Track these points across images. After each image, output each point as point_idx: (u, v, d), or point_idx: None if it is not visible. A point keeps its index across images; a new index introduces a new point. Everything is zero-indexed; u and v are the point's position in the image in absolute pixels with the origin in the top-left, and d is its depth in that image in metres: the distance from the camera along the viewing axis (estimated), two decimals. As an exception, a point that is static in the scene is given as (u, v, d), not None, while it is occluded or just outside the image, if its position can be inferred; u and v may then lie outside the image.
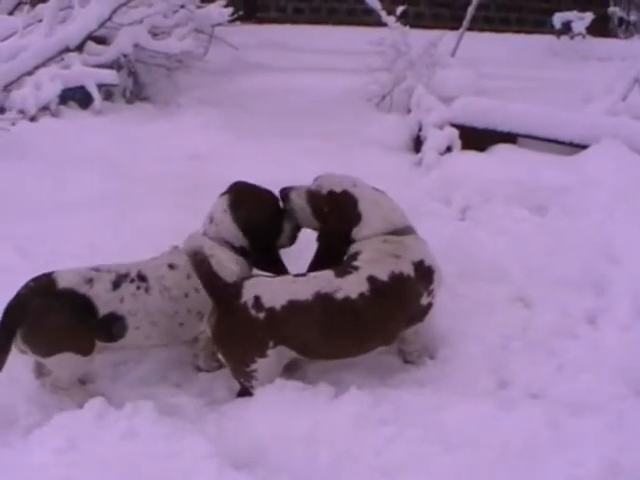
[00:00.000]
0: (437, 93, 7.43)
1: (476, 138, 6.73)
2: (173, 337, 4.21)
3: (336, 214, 4.31)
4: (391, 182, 5.74)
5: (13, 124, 7.24)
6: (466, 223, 5.71)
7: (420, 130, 7.09)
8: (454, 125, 6.81)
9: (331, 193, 4.34)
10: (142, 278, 4.09)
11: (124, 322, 4.03)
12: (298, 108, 8.26)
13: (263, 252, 4.33)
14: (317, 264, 4.29)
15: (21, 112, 7.59)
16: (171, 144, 7.21)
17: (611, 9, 10.71)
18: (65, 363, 3.96)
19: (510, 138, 6.76)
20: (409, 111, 7.60)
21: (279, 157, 6.72)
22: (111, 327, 4.02)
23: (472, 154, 6.59)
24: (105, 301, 3.99)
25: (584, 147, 6.38)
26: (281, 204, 4.42)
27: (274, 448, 3.62)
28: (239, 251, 4.30)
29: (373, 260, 4.09)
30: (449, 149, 6.67)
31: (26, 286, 3.97)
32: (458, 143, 6.66)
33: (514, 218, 5.60)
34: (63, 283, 3.96)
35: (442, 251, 4.48)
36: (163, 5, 8.87)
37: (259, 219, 4.30)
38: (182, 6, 9.07)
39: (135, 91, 8.76)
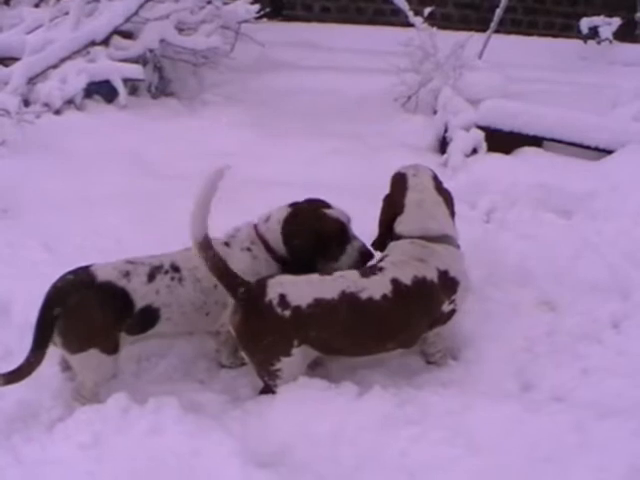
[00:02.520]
0: (463, 95, 7.44)
1: (502, 141, 6.75)
2: (198, 326, 4.24)
3: (389, 195, 4.40)
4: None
5: (38, 117, 7.25)
6: (492, 226, 5.71)
7: (446, 132, 7.10)
8: (480, 127, 6.83)
9: (396, 174, 4.44)
10: (175, 269, 4.09)
11: (158, 314, 4.04)
12: (324, 107, 8.29)
13: (304, 268, 4.24)
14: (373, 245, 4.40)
15: (46, 105, 7.62)
16: (196, 141, 7.23)
17: (638, 15, 10.64)
18: (90, 362, 3.95)
19: (536, 141, 6.76)
20: (435, 112, 7.62)
21: (305, 156, 6.74)
22: (144, 319, 4.04)
23: (498, 157, 6.61)
24: (142, 295, 3.99)
25: (610, 152, 6.38)
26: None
27: (298, 447, 3.62)
28: (278, 258, 4.29)
29: (398, 262, 4.09)
30: (475, 151, 6.69)
31: (64, 279, 3.97)
32: (484, 145, 6.67)
33: (540, 221, 5.60)
34: (102, 276, 3.96)
35: (467, 253, 4.46)
36: (190, 1, 8.91)
37: (305, 246, 4.23)
38: (209, 2, 9.09)
39: (160, 86, 8.79)
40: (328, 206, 4.34)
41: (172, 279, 4.07)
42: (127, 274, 3.99)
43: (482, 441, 3.56)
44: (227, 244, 4.21)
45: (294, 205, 4.37)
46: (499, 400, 3.89)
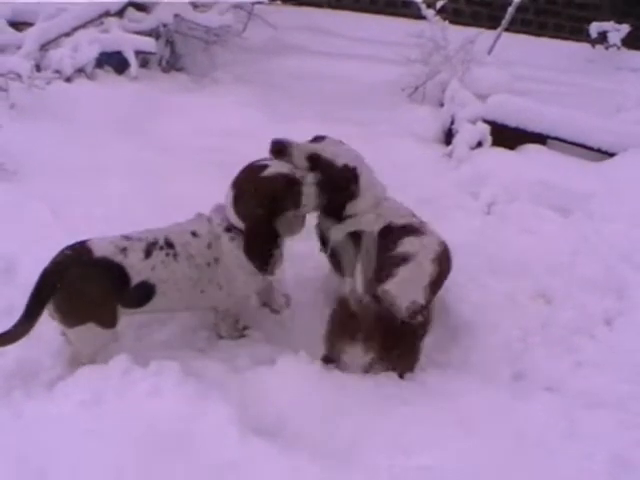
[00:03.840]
0: (470, 89, 7.48)
1: (507, 136, 6.81)
2: (193, 304, 4.31)
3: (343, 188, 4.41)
4: (421, 172, 5.84)
5: (48, 83, 7.24)
6: (492, 218, 5.77)
7: (452, 123, 7.17)
8: (486, 121, 6.89)
9: (343, 168, 4.42)
10: (170, 245, 4.13)
11: (154, 289, 4.08)
12: (333, 93, 8.33)
13: (252, 240, 4.21)
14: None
15: (57, 72, 7.60)
16: (205, 117, 7.28)
17: (648, 22, 10.67)
18: (88, 335, 3.99)
19: (540, 139, 6.84)
20: (441, 104, 7.66)
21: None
22: (140, 295, 4.07)
23: (502, 151, 6.68)
24: (138, 270, 4.02)
25: (612, 154, 6.47)
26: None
27: (295, 419, 3.68)
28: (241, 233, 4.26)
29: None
30: (480, 144, 6.75)
31: (62, 254, 3.98)
32: (489, 139, 6.73)
33: (539, 217, 5.67)
34: (99, 252, 3.97)
35: (467, 243, 4.59)
36: (206, -22, 8.90)
37: (252, 207, 4.17)
38: (224, -20, 9.10)
39: (171, 61, 8.80)
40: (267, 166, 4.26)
41: (167, 255, 4.11)
42: (124, 250, 4.02)
43: (474, 423, 3.67)
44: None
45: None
46: (492, 386, 4.02)
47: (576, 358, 4.37)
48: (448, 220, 5.18)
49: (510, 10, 8.81)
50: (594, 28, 10.32)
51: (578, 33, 10.96)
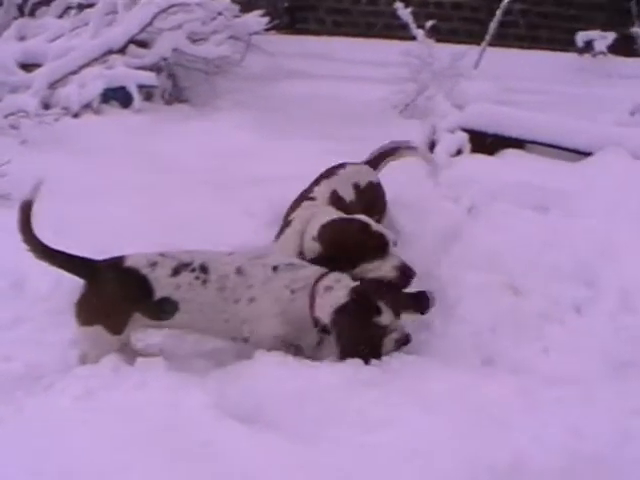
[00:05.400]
0: (456, 102, 7.72)
1: (486, 143, 7.02)
2: (216, 330, 4.44)
3: None
4: (404, 181, 6.08)
5: (57, 119, 7.60)
6: (470, 218, 5.85)
7: (434, 134, 7.41)
8: (465, 130, 7.11)
9: None
10: (204, 270, 4.29)
11: (176, 306, 4.28)
12: (329, 113, 8.62)
13: None
14: None
15: (65, 109, 7.97)
16: (205, 141, 7.61)
17: (634, 29, 10.81)
18: (94, 337, 4.28)
19: (518, 144, 7.01)
20: (427, 118, 7.93)
21: (305, 156, 6.99)
22: (163, 309, 4.30)
23: (481, 157, 6.85)
24: (162, 285, 4.25)
25: (589, 154, 6.62)
26: None
27: (269, 405, 3.92)
28: None
29: None
30: (459, 152, 6.99)
31: (101, 259, 4.34)
32: (468, 147, 6.96)
33: (516, 216, 5.73)
34: (129, 263, 4.28)
35: (443, 240, 4.79)
36: (202, 12, 9.24)
37: None
38: (220, 14, 9.43)
39: (174, 93, 9.16)
40: None
41: (196, 278, 4.27)
42: (154, 264, 4.27)
43: (435, 403, 3.85)
44: None
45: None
46: (459, 370, 4.19)
47: (544, 343, 4.52)
48: (427, 222, 5.39)
49: (492, 25, 9.06)
50: (580, 37, 10.53)
51: (572, 45, 11.15)
